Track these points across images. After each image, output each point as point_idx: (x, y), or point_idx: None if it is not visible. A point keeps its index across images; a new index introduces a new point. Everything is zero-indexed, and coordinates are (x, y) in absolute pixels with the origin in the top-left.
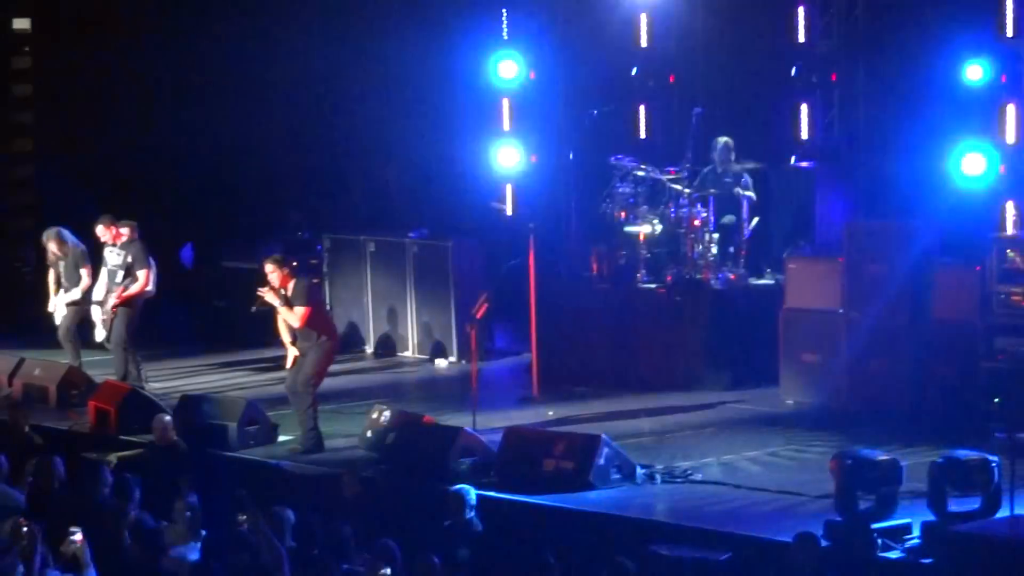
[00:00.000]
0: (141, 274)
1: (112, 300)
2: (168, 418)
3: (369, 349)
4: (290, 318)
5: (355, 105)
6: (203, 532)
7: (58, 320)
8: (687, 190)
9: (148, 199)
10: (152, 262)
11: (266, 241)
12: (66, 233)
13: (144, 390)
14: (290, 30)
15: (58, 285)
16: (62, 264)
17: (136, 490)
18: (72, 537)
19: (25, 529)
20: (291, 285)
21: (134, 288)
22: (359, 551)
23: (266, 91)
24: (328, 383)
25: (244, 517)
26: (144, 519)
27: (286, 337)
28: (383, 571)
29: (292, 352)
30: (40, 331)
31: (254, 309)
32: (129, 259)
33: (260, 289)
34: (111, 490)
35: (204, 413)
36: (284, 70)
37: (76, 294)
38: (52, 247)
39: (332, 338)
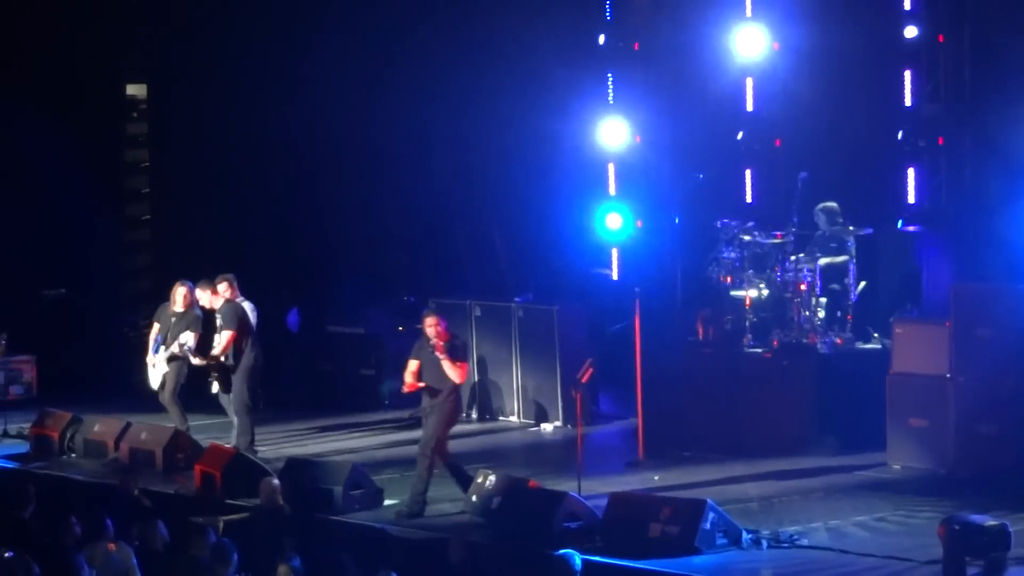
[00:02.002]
0: (224, 336)
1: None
2: (277, 481)
3: (475, 414)
4: (451, 372)
5: (461, 169)
6: None
7: (155, 380)
8: (794, 256)
9: (257, 264)
10: (251, 322)
11: (372, 306)
12: (193, 290)
13: (253, 455)
14: (396, 95)
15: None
16: (173, 320)
17: (234, 554)
18: None
19: None
20: (447, 340)
21: (216, 351)
22: None
23: (373, 155)
24: None
25: None
26: None
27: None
28: None
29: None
30: (144, 395)
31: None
32: (219, 321)
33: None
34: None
35: (309, 477)
36: (393, 136)
37: (176, 348)
38: (178, 296)
39: (458, 398)
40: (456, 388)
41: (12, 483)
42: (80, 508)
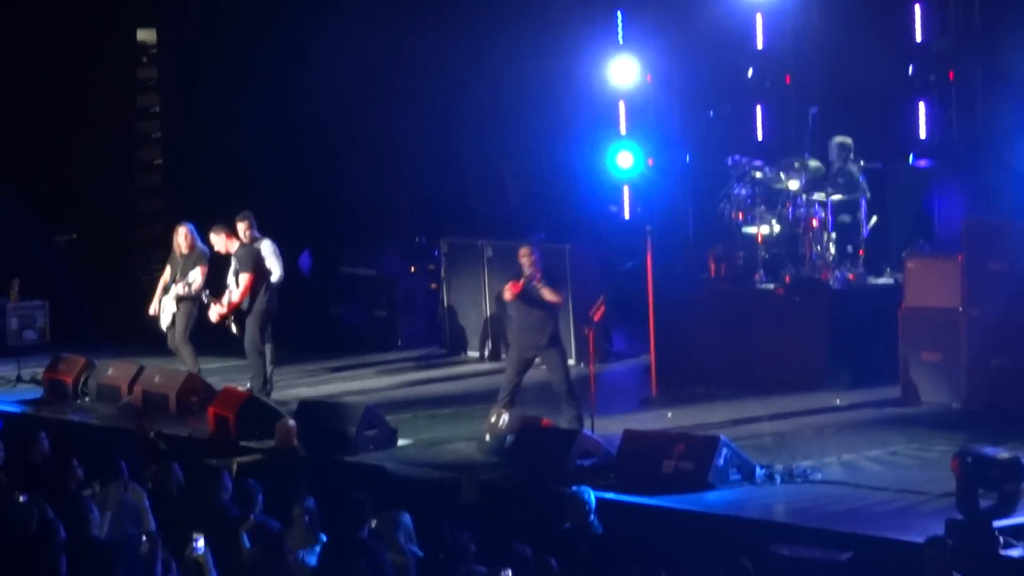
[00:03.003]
0: (242, 279)
1: (220, 308)
2: (292, 423)
3: (487, 353)
4: (552, 297)
5: (472, 109)
6: (321, 536)
7: (165, 322)
8: (805, 192)
9: (268, 205)
10: (274, 263)
11: (384, 247)
12: (194, 230)
13: (266, 397)
14: (407, 37)
15: (165, 290)
16: (181, 262)
17: (259, 495)
18: (195, 544)
19: (146, 536)
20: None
21: (234, 297)
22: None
23: (385, 97)
24: (446, 387)
25: (374, 522)
26: (268, 523)
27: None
28: (504, 572)
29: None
30: (157, 339)
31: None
32: (236, 265)
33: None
34: (231, 495)
35: (323, 418)
36: (403, 76)
37: (183, 289)
38: (179, 239)
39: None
40: (556, 316)
41: (25, 428)
42: (93, 452)
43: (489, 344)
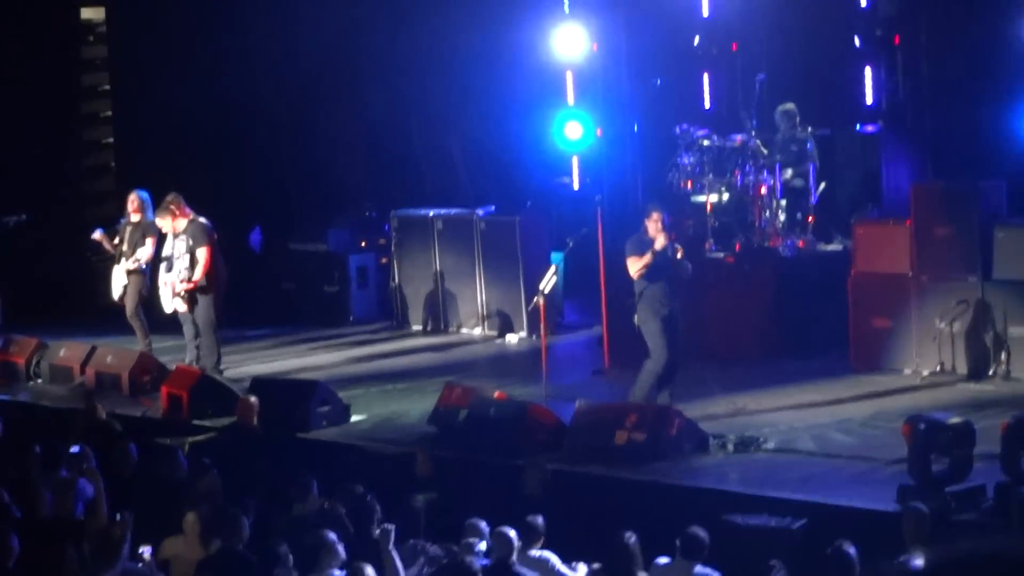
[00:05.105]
0: (200, 253)
1: (179, 286)
2: (254, 399)
3: (439, 326)
4: (686, 265)
5: (419, 82)
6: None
7: (116, 292)
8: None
9: (219, 184)
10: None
11: (334, 222)
12: (146, 198)
13: (219, 375)
14: (354, 11)
15: (115, 258)
16: (129, 229)
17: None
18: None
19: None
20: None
21: (197, 272)
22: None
23: (333, 72)
24: (398, 361)
25: (326, 502)
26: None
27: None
28: (478, 546)
29: None
30: (110, 318)
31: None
32: (190, 242)
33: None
34: (187, 474)
35: (276, 395)
36: (350, 51)
37: (132, 264)
38: (130, 205)
39: None
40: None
41: None
42: (47, 435)
43: (441, 316)
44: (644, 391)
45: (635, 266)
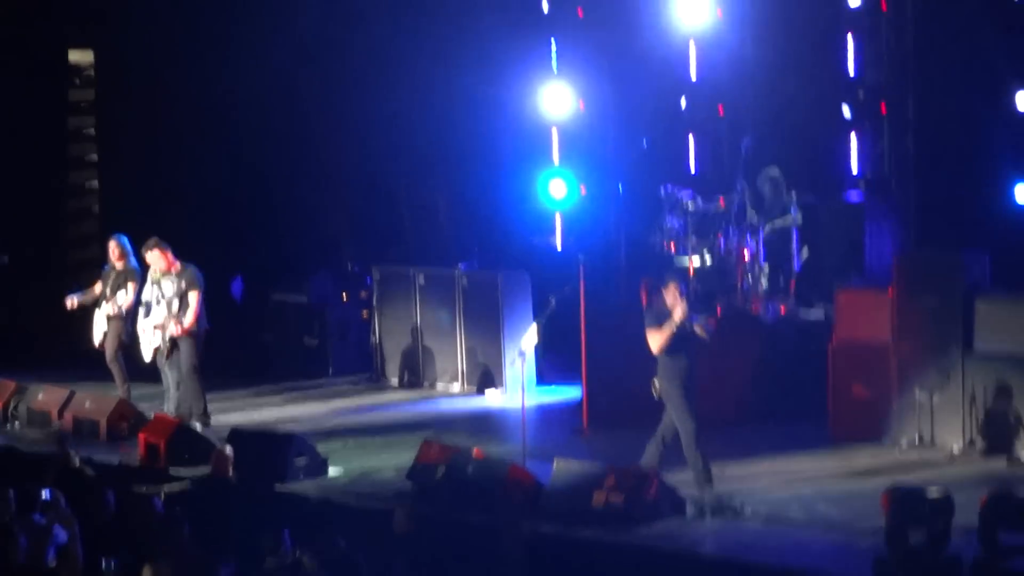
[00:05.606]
0: (192, 297)
1: (173, 329)
2: (230, 450)
3: (418, 381)
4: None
5: (405, 138)
6: None
7: (97, 337)
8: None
9: (202, 232)
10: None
11: (316, 274)
12: (127, 244)
13: (206, 425)
14: (343, 65)
15: (96, 304)
16: (112, 274)
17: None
18: None
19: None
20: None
21: (188, 317)
22: None
23: (318, 123)
24: (376, 415)
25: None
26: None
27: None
28: None
29: None
30: (90, 362)
31: None
32: (183, 284)
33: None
34: (160, 523)
35: (253, 446)
36: (336, 104)
37: (112, 308)
38: (112, 253)
39: None
40: None
41: None
42: (24, 479)
43: (421, 372)
44: (694, 461)
45: (656, 340)
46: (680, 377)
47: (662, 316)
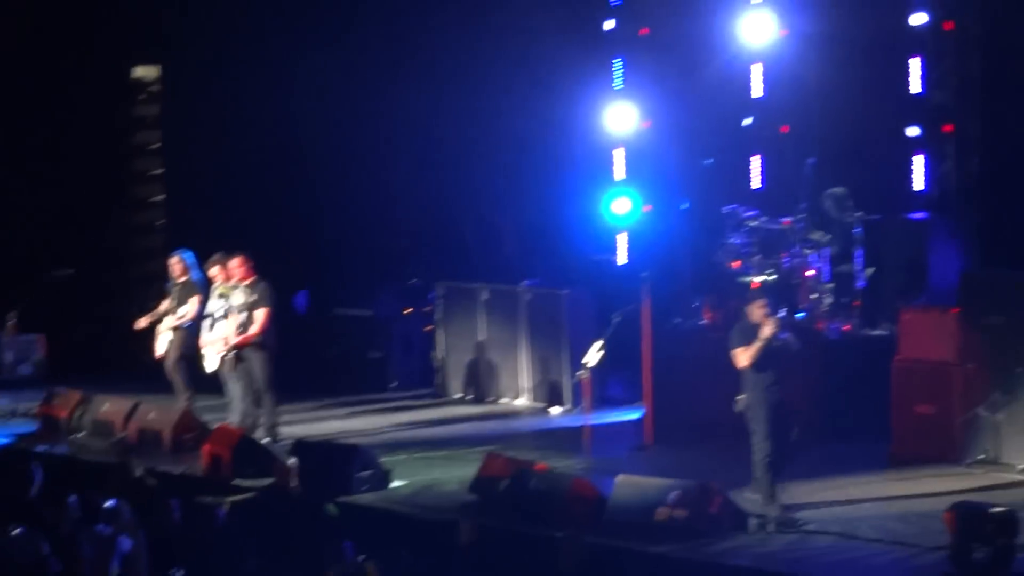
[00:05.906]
0: (259, 314)
1: (236, 338)
2: (293, 462)
3: (481, 395)
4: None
5: (470, 155)
6: None
7: (160, 348)
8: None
9: (267, 246)
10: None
11: (380, 289)
12: (189, 258)
13: (275, 439)
14: (404, 81)
15: (160, 319)
16: (176, 289)
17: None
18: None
19: None
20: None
21: (253, 329)
22: None
23: (383, 140)
24: (439, 429)
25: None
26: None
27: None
28: None
29: None
30: (154, 375)
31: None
32: (254, 297)
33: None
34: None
35: (317, 458)
36: (402, 122)
37: (176, 321)
38: (175, 269)
39: None
40: None
41: (18, 463)
42: (87, 489)
43: (486, 387)
44: (762, 478)
45: (744, 357)
46: (764, 394)
47: (749, 333)
